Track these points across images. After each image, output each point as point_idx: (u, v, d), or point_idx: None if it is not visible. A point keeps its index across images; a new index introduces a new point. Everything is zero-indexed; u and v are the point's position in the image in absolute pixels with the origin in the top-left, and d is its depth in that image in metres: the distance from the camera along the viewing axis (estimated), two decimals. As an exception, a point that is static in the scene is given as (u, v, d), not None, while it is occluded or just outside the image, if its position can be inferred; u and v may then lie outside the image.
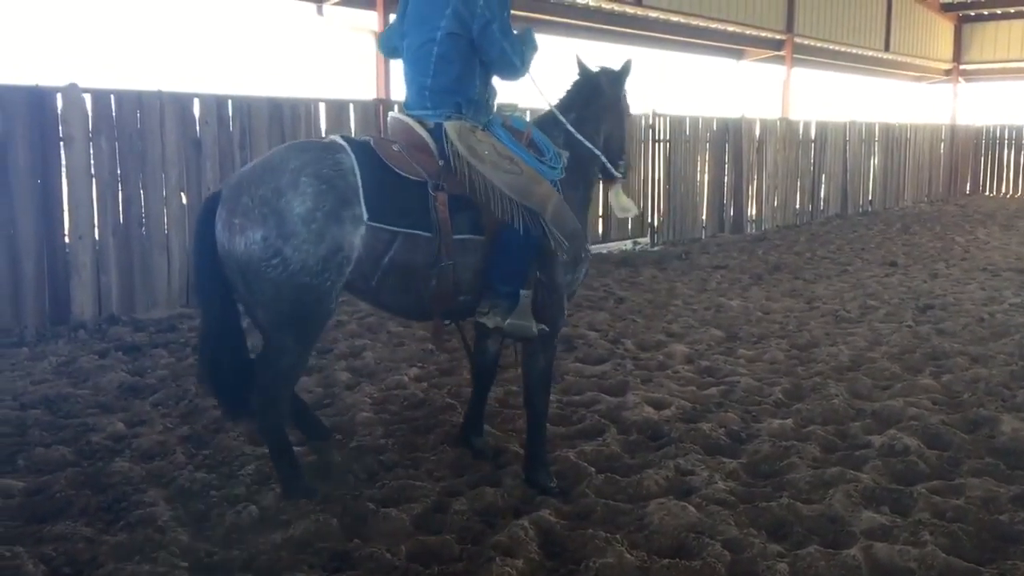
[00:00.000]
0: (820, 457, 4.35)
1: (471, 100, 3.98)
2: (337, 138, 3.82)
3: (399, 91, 9.72)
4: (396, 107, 9.40)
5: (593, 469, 4.17)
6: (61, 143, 7.08)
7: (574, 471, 4.16)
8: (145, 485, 3.97)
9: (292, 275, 3.51)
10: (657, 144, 13.04)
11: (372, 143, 3.84)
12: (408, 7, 4.11)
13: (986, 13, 23.30)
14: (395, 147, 3.85)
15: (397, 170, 3.75)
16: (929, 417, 4.83)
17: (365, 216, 3.59)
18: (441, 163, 3.83)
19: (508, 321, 3.85)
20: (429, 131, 3.93)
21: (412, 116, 4.01)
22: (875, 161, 18.44)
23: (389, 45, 4.34)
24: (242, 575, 3.22)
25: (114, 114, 7.36)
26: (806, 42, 17.93)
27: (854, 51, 19.86)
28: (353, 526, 3.62)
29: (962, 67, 24.33)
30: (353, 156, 3.66)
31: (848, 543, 3.42)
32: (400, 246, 3.68)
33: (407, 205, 3.71)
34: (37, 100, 6.92)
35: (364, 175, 3.62)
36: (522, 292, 3.88)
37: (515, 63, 4.03)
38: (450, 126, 3.84)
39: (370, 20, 10.68)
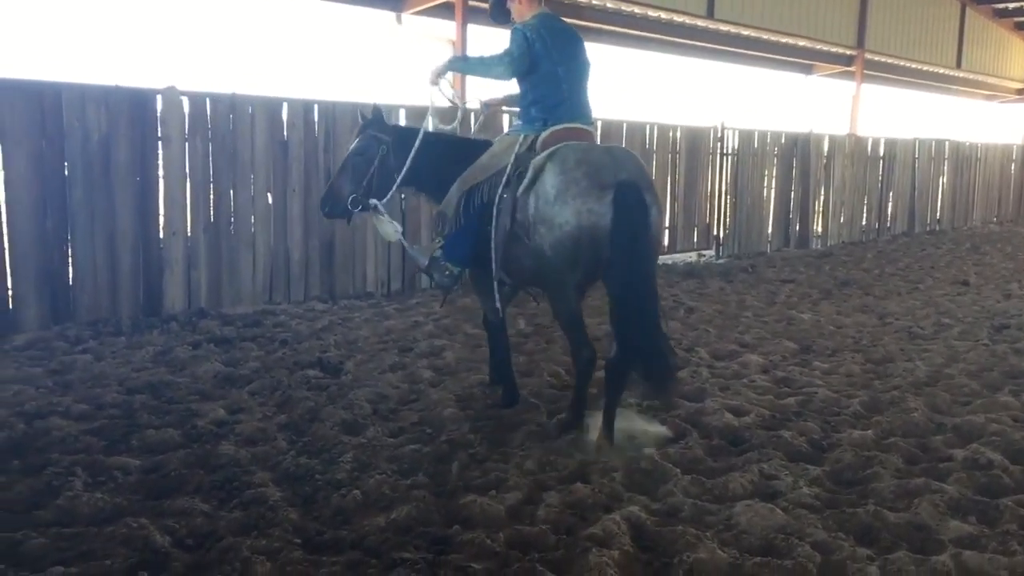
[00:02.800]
0: (903, 468, 4.40)
1: None
2: None
3: (474, 99, 9.92)
4: (472, 115, 9.59)
5: (678, 470, 4.29)
6: (159, 143, 7.42)
7: (660, 471, 4.28)
8: (253, 467, 4.19)
9: None
10: (725, 157, 13.10)
11: None
12: (548, 40, 4.78)
13: (1063, 32, 22.87)
14: None
15: None
16: (1012, 434, 4.85)
17: None
18: None
19: None
20: None
21: (584, 125, 4.96)
22: (944, 180, 18.21)
23: (522, 68, 4.81)
24: (352, 553, 3.40)
25: (209, 116, 7.69)
26: (877, 58, 17.81)
27: (925, 68, 19.66)
28: (451, 514, 3.78)
29: (1036, 87, 23.88)
30: None
31: (937, 550, 3.49)
32: None
33: None
34: (139, 101, 7.27)
35: None
36: None
37: None
38: None
39: (448, 29, 10.92)
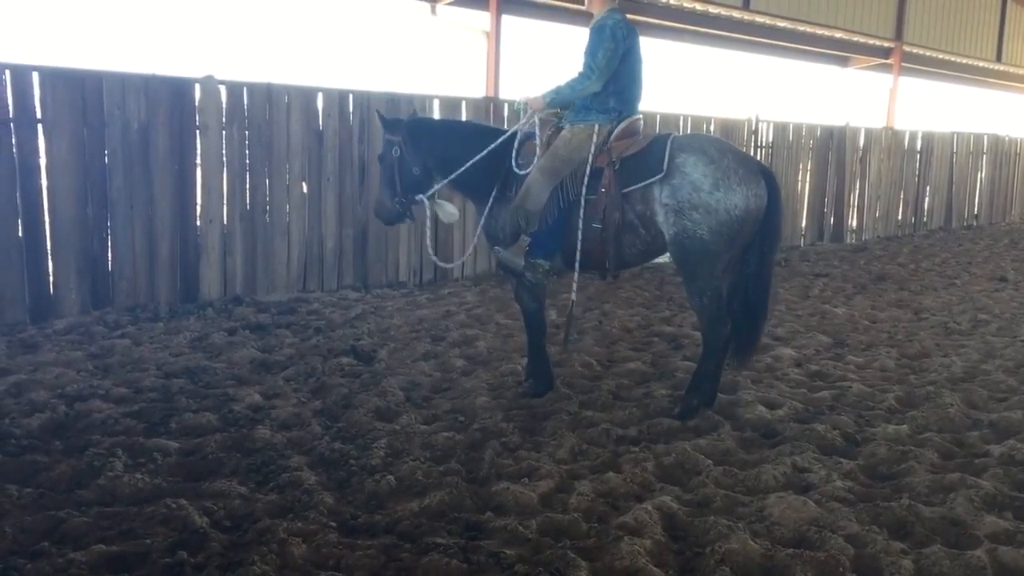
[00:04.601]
0: (938, 463, 4.37)
1: None
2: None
3: (508, 90, 9.88)
4: (506, 105, 9.64)
5: (710, 461, 4.29)
6: (197, 131, 7.50)
7: (692, 462, 4.28)
8: (289, 452, 4.26)
9: None
10: (759, 150, 12.99)
11: None
12: (630, 36, 5.03)
13: (1106, 24, 22.38)
14: None
15: None
16: (1050, 430, 4.80)
17: None
18: None
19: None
20: None
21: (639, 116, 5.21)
22: (982, 174, 17.94)
23: (610, 74, 4.99)
24: (386, 537, 3.44)
25: (246, 105, 7.76)
26: (915, 50, 17.55)
27: (964, 61, 19.34)
28: (484, 500, 3.82)
29: (1078, 80, 23.41)
30: None
31: (972, 545, 3.46)
32: None
33: None
34: (178, 90, 7.35)
35: None
36: None
37: None
38: None
39: (482, 20, 10.92)
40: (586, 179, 4.96)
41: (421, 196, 5.38)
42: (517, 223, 5.06)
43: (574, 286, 5.26)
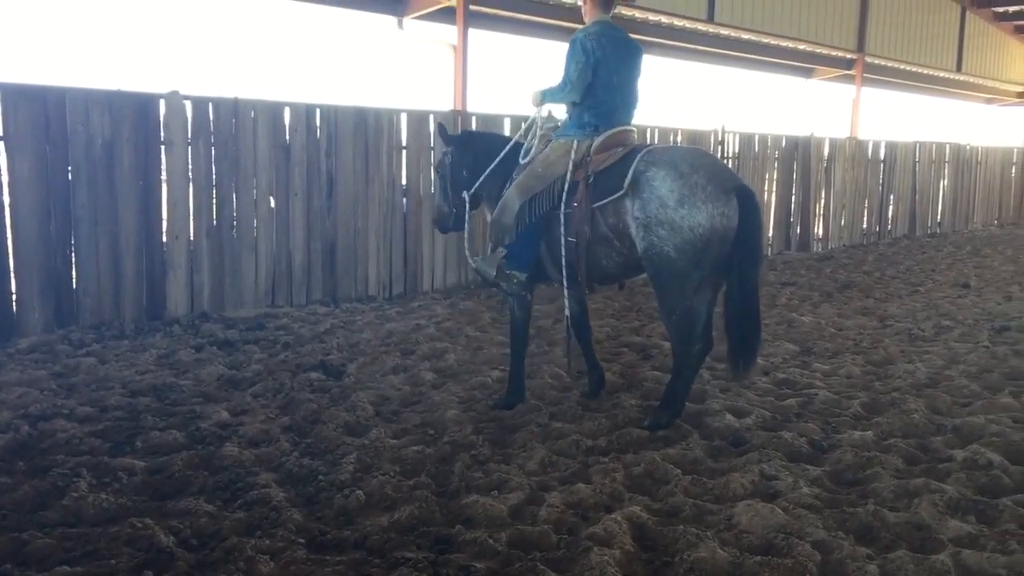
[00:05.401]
0: (903, 468, 4.42)
1: None
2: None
3: (475, 103, 9.94)
4: (473, 120, 9.67)
5: (679, 471, 4.31)
6: (162, 147, 7.45)
7: (661, 471, 4.31)
8: (256, 468, 4.23)
9: None
10: (726, 160, 13.11)
11: None
12: (608, 48, 5.03)
13: (1062, 35, 22.92)
14: None
15: None
16: (1011, 434, 4.86)
17: None
18: None
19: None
20: None
21: (629, 127, 5.23)
22: (945, 183, 18.23)
23: (584, 86, 5.06)
24: (355, 553, 3.43)
25: (212, 120, 7.72)
26: (877, 61, 17.84)
27: (925, 71, 19.69)
28: (454, 514, 3.81)
29: (1035, 90, 23.93)
30: None
31: (936, 549, 3.51)
32: None
33: None
34: (143, 106, 7.30)
35: None
36: None
37: None
38: None
39: (449, 34, 10.94)
40: (564, 195, 5.02)
41: (465, 193, 5.63)
42: (494, 235, 5.24)
43: (566, 303, 5.27)
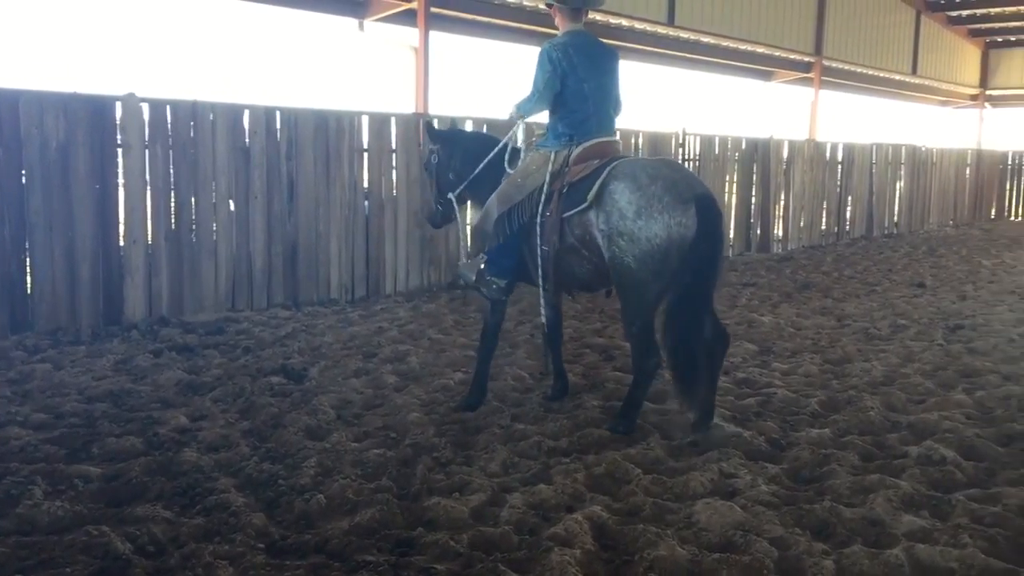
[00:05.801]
0: (859, 465, 4.50)
1: None
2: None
3: (436, 106, 9.98)
4: (435, 121, 9.65)
5: (640, 470, 4.35)
6: (119, 150, 7.35)
7: (622, 471, 4.33)
8: (216, 474, 4.18)
9: None
10: (686, 163, 13.23)
11: None
12: (575, 58, 5.04)
13: (1013, 39, 23.44)
14: None
15: None
16: (964, 430, 4.97)
17: None
18: None
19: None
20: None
21: (610, 138, 5.26)
22: (901, 184, 18.53)
23: (551, 95, 5.11)
24: (316, 557, 3.41)
25: (169, 123, 7.63)
26: (834, 64, 18.12)
27: (882, 74, 20.03)
28: (415, 516, 3.81)
29: (988, 92, 24.47)
30: None
31: (890, 544, 3.57)
32: None
33: None
34: (98, 108, 7.21)
35: None
36: None
37: None
38: None
39: (411, 36, 10.94)
40: (540, 205, 5.06)
41: (450, 195, 5.74)
42: (475, 241, 5.37)
43: (542, 309, 5.33)
